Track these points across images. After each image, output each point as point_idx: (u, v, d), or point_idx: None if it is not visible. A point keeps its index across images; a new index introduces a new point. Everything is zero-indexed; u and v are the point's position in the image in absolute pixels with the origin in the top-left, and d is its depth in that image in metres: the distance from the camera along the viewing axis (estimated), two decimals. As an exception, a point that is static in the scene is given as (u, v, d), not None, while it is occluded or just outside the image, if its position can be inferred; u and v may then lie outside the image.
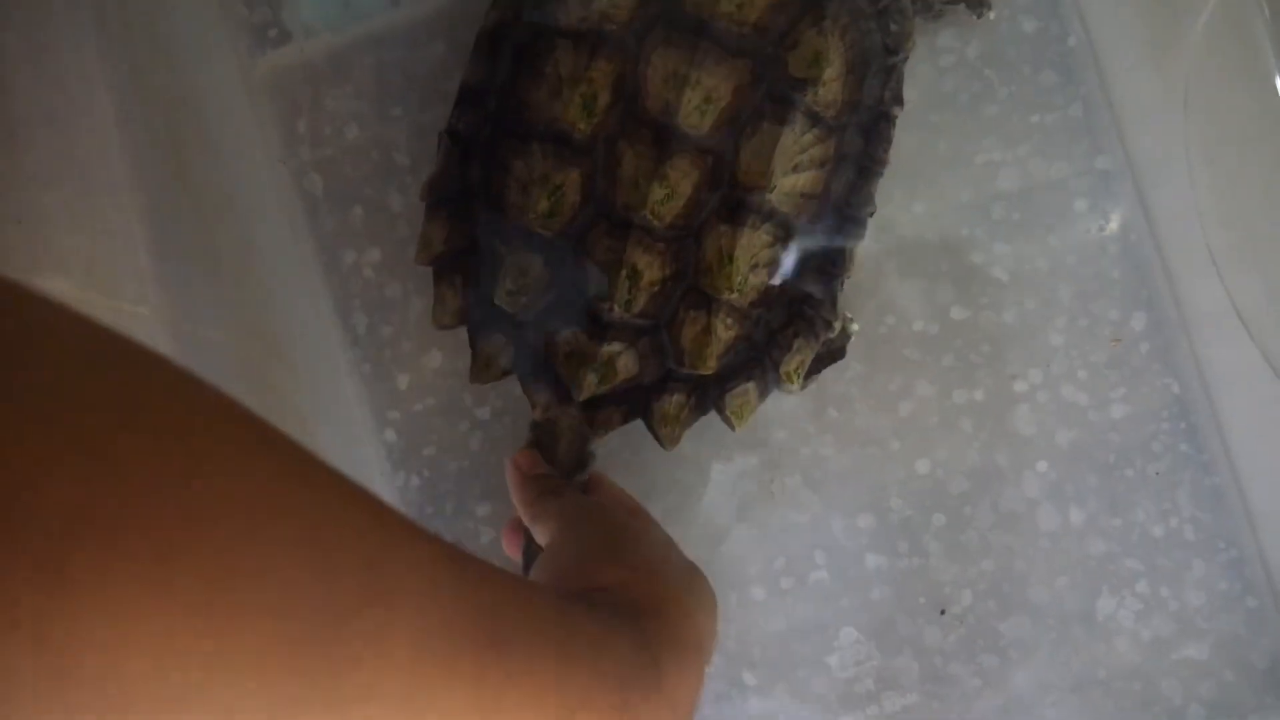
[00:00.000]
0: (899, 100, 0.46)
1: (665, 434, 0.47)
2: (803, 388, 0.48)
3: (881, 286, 0.52)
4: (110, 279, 0.38)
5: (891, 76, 0.46)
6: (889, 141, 0.46)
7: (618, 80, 0.44)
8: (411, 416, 0.52)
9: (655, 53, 0.44)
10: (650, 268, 0.45)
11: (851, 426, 0.52)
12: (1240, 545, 0.51)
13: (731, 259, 0.44)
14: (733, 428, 0.48)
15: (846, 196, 0.46)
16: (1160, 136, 0.48)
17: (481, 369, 0.48)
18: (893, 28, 0.45)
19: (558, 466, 0.48)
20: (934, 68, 0.50)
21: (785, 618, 0.53)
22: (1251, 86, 0.45)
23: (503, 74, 0.46)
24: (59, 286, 0.36)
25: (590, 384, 0.46)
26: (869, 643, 0.52)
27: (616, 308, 0.45)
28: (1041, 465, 0.52)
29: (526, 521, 0.45)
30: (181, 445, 0.20)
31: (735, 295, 0.45)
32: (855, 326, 0.50)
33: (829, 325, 0.47)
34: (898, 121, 0.46)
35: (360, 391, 0.52)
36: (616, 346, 0.46)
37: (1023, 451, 0.52)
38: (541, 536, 0.44)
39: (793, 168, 0.45)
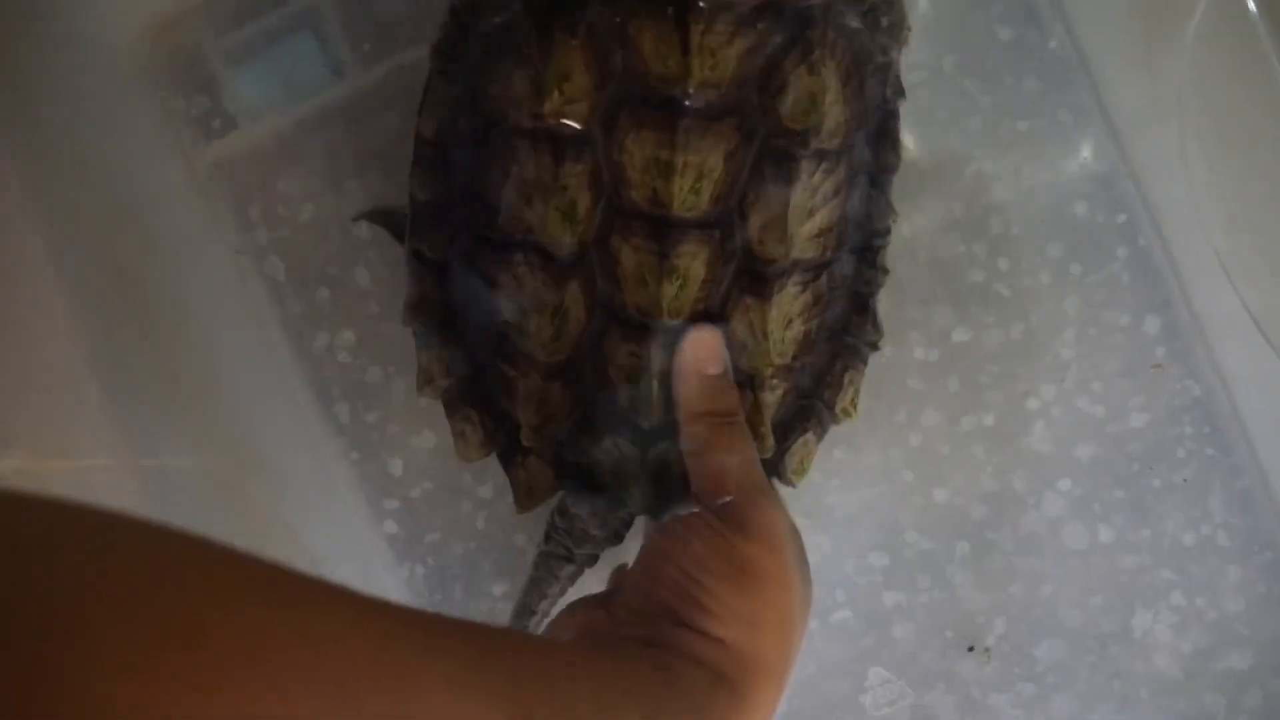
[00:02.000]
0: (901, 92, 0.42)
1: None
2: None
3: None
4: (64, 438, 0.36)
5: (889, 72, 0.41)
6: (897, 140, 0.42)
7: (593, 177, 0.39)
8: (410, 503, 0.51)
9: (629, 139, 0.38)
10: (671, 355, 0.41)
11: (859, 465, 0.50)
12: (1276, 547, 0.49)
13: (766, 334, 0.40)
14: (793, 485, 0.44)
15: (866, 212, 0.42)
16: (1158, 138, 0.45)
17: (525, 498, 0.44)
18: (883, 22, 0.41)
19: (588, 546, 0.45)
20: (907, 83, 0.47)
21: (814, 660, 0.51)
22: (1249, 84, 0.42)
23: (460, 180, 0.41)
24: (9, 465, 0.34)
25: (645, 495, 0.42)
26: (899, 680, 0.51)
27: (655, 415, 0.41)
28: (1064, 483, 0.50)
29: (688, 450, 0.40)
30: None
31: (775, 363, 0.41)
32: (848, 421, 0.46)
33: (875, 345, 0.44)
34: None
35: (352, 483, 0.50)
36: (662, 447, 0.42)
37: (1041, 471, 0.50)
38: (702, 482, 0.38)
39: (808, 213, 0.40)
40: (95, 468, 0.37)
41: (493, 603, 0.52)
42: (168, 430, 0.42)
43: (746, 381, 0.42)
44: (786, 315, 0.41)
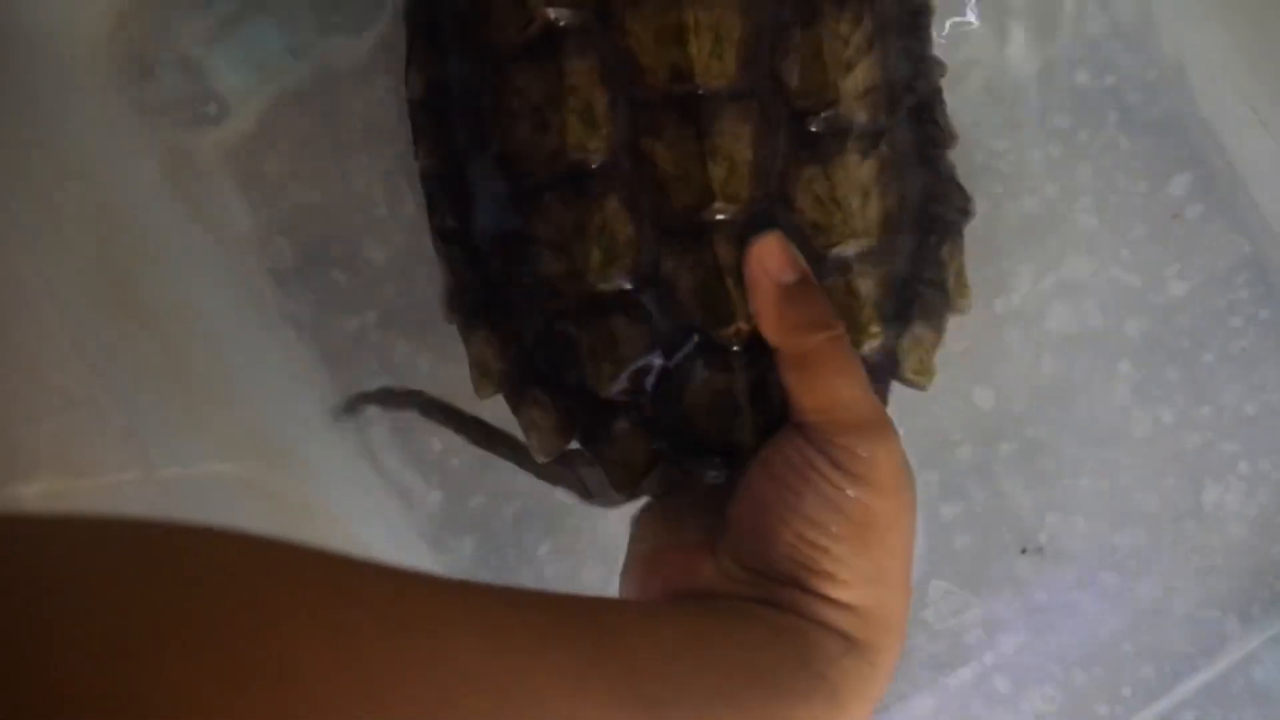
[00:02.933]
0: None
1: None
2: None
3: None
4: (87, 458, 0.35)
5: None
6: None
7: (603, 73, 0.35)
8: (451, 475, 0.49)
9: (629, 17, 0.34)
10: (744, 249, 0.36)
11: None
12: (1341, 402, 0.48)
13: (838, 202, 0.36)
14: (923, 388, 0.39)
15: (911, 66, 0.39)
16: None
17: (624, 476, 0.37)
18: None
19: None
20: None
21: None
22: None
23: (464, 140, 0.38)
24: (37, 490, 0.32)
25: (751, 425, 0.36)
26: (962, 591, 0.50)
27: (742, 324, 0.35)
28: (1124, 365, 0.48)
29: (786, 378, 0.34)
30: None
31: (860, 240, 0.36)
32: (964, 304, 0.40)
33: (966, 211, 0.39)
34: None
35: (392, 466, 0.49)
36: (760, 366, 0.36)
37: (1092, 351, 0.48)
38: (806, 414, 0.33)
39: (845, 67, 0.36)
40: (122, 483, 0.36)
41: (540, 565, 0.51)
42: (189, 438, 0.41)
43: (834, 268, 0.36)
44: (855, 187, 0.37)
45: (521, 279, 0.38)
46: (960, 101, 0.41)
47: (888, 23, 0.38)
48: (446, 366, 0.48)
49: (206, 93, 0.46)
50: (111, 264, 0.41)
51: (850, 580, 0.32)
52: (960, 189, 0.40)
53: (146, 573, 0.18)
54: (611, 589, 0.50)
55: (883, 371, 0.38)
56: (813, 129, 0.36)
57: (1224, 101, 0.45)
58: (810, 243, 0.36)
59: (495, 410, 0.41)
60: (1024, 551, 0.49)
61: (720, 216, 0.35)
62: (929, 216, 0.39)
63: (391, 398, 0.47)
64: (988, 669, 0.50)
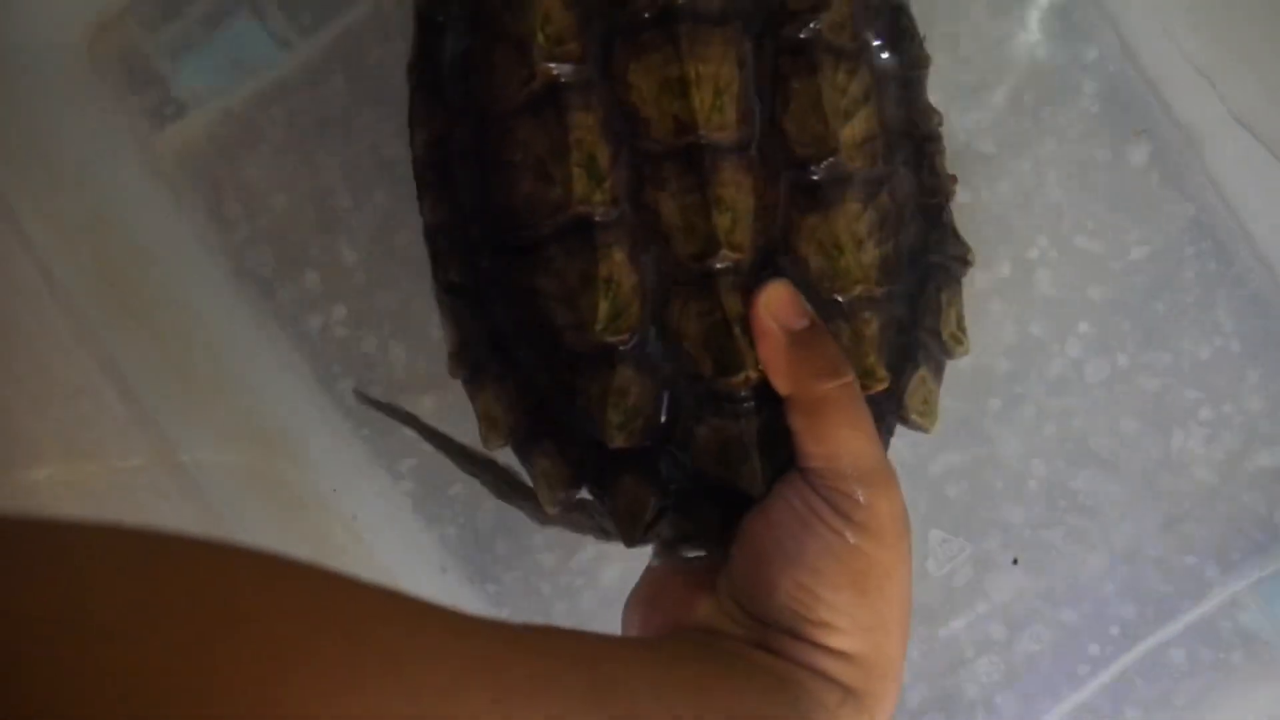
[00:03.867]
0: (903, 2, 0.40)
1: None
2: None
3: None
4: (94, 443, 0.35)
5: None
6: (915, 34, 0.39)
7: (605, 126, 0.35)
8: (426, 461, 0.50)
9: (632, 72, 0.35)
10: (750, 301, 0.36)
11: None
12: (1288, 340, 0.50)
13: (841, 248, 0.36)
14: (926, 430, 0.40)
15: (906, 117, 0.39)
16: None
17: (630, 527, 0.37)
18: None
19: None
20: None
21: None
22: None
23: (469, 196, 0.38)
24: (43, 475, 0.33)
25: (760, 471, 0.36)
26: (957, 538, 0.51)
27: (750, 372, 0.35)
28: (1082, 326, 0.50)
29: (795, 425, 0.34)
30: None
31: (861, 286, 0.37)
32: (962, 351, 0.41)
33: (965, 260, 0.40)
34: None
35: (367, 455, 0.49)
36: (767, 414, 0.36)
37: (1057, 316, 0.50)
38: (812, 461, 0.34)
39: (844, 115, 0.37)
40: (128, 469, 0.36)
41: (536, 555, 0.51)
42: (189, 427, 0.41)
43: (839, 314, 0.37)
44: (855, 234, 0.37)
45: (527, 331, 0.38)
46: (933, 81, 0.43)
47: (884, 74, 0.39)
48: (419, 357, 0.49)
49: (184, 97, 0.47)
50: (108, 266, 0.42)
51: (848, 629, 0.32)
52: (959, 239, 0.41)
53: (153, 598, 0.18)
54: (605, 561, 0.51)
55: (885, 413, 0.39)
56: (814, 177, 0.36)
57: (1174, 68, 0.48)
58: (815, 290, 0.36)
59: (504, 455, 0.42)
60: (1017, 499, 0.51)
61: (725, 265, 0.35)
62: (928, 264, 0.40)
63: (417, 426, 0.47)
64: (980, 615, 0.51)
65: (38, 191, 0.40)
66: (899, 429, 0.40)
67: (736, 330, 0.35)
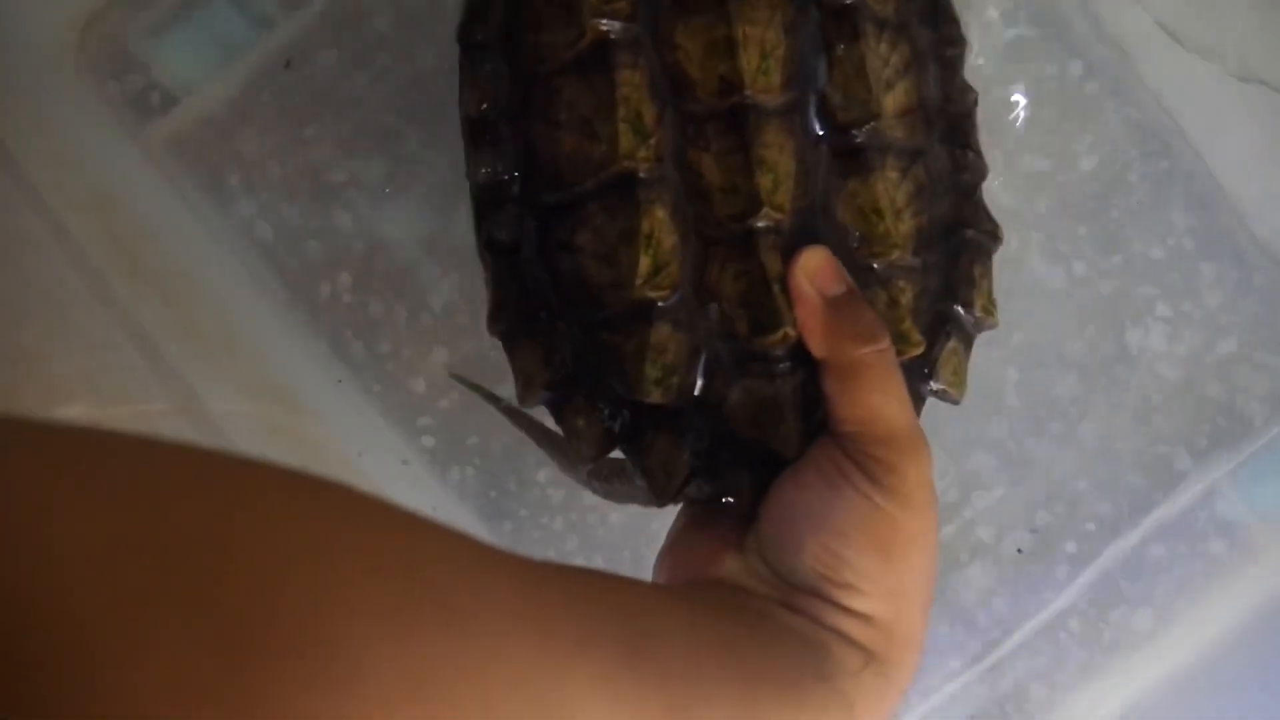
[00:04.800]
0: None
1: None
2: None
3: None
4: (119, 388, 0.38)
5: None
6: (955, 17, 0.41)
7: (653, 87, 0.36)
8: (441, 415, 0.53)
9: (678, 32, 0.36)
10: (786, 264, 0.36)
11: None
12: (1234, 236, 0.53)
13: (880, 213, 0.37)
14: (956, 400, 0.41)
15: (944, 93, 0.40)
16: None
17: (664, 482, 0.38)
18: None
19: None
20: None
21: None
22: None
23: (513, 155, 0.39)
24: (77, 412, 0.36)
25: (794, 433, 0.36)
26: (941, 455, 0.54)
27: (788, 330, 0.36)
28: (1037, 235, 0.53)
29: (829, 390, 0.35)
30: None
31: (899, 252, 0.37)
32: (993, 322, 0.42)
33: (995, 236, 0.41)
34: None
35: (383, 411, 0.52)
36: (802, 374, 0.37)
37: (1015, 228, 0.53)
38: (845, 425, 0.34)
39: (886, 84, 0.38)
40: (156, 412, 0.39)
41: (541, 489, 0.54)
42: (211, 380, 0.44)
43: (876, 280, 0.38)
44: (894, 201, 0.38)
45: (565, 291, 0.38)
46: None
47: (923, 50, 0.40)
48: (421, 315, 0.52)
49: (171, 84, 0.50)
50: (114, 237, 0.44)
51: (871, 592, 0.33)
52: (989, 217, 0.42)
53: (225, 525, 0.18)
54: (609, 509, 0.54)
55: (917, 382, 0.39)
56: (856, 141, 0.37)
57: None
58: (852, 255, 0.37)
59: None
60: (995, 408, 0.54)
61: (766, 225, 0.36)
62: (961, 238, 0.41)
63: (482, 392, 0.50)
64: (968, 521, 0.54)
65: (39, 168, 0.43)
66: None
67: (775, 289, 0.36)
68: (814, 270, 0.35)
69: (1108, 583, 0.54)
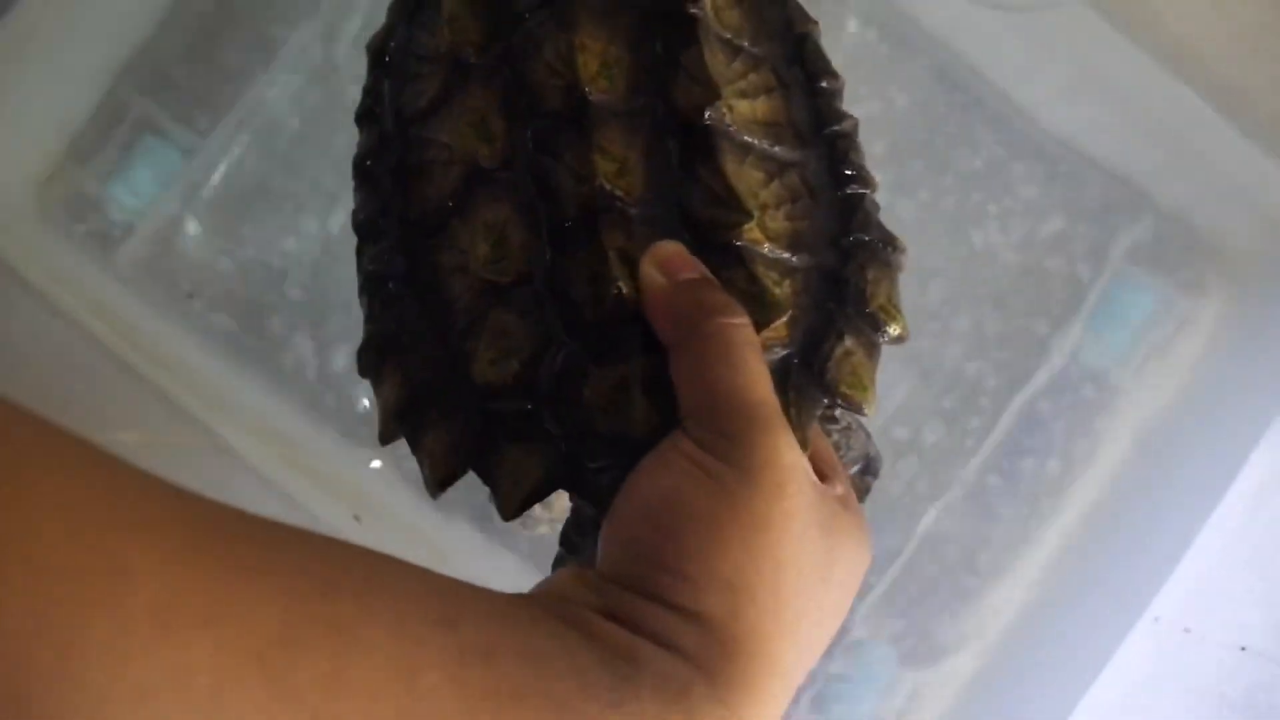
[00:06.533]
0: (807, 16, 0.42)
1: None
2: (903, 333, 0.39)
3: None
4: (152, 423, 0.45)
5: (783, 2, 0.42)
6: (826, 59, 0.42)
7: (504, 103, 0.38)
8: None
9: (530, 55, 0.38)
10: (634, 245, 0.35)
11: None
12: (1032, 136, 0.64)
13: (730, 187, 0.36)
14: (863, 408, 0.37)
15: (816, 119, 0.40)
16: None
17: (511, 497, 0.35)
18: None
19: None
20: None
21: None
22: None
23: (390, 198, 0.40)
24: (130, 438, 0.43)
25: (642, 410, 0.34)
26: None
27: (621, 286, 0.34)
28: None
29: (675, 371, 0.32)
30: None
31: (759, 233, 0.36)
32: (896, 329, 0.39)
33: (894, 245, 0.40)
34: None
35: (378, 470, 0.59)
36: (655, 365, 0.34)
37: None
38: (690, 402, 0.32)
39: (738, 93, 0.38)
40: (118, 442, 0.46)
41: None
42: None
43: (735, 259, 0.36)
44: (754, 192, 0.37)
45: (431, 311, 0.38)
46: None
47: (790, 84, 0.40)
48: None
49: (126, 212, 0.58)
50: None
51: (702, 581, 0.28)
52: (884, 229, 0.41)
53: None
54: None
55: (804, 384, 0.36)
56: (701, 124, 0.37)
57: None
58: (709, 240, 0.36)
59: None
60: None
61: (608, 205, 0.35)
62: (848, 245, 0.39)
63: None
64: (887, 420, 0.63)
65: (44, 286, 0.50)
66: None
67: (611, 255, 0.35)
68: (663, 258, 0.34)
69: (1011, 441, 0.63)
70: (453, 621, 0.25)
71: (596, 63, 0.37)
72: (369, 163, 0.41)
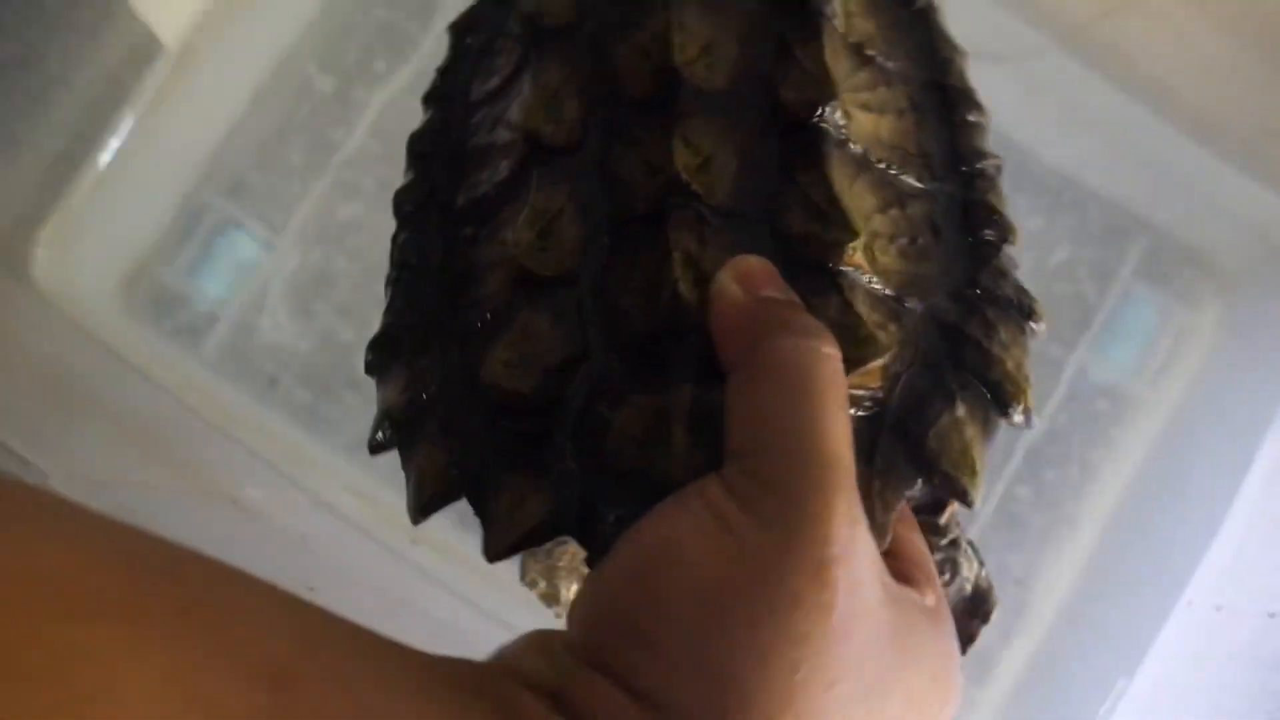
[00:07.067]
0: (955, 46, 0.37)
1: None
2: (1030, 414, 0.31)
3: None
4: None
5: (928, 22, 0.37)
6: (971, 90, 0.36)
7: (584, 85, 0.32)
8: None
9: (617, 46, 0.32)
10: (707, 252, 0.29)
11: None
12: (1033, 171, 0.69)
13: (835, 199, 0.29)
14: (968, 495, 0.28)
15: (951, 149, 0.34)
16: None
17: (501, 533, 0.28)
18: None
19: None
20: None
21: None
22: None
23: (436, 176, 0.36)
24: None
25: (679, 447, 0.27)
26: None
27: (681, 291, 0.28)
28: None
29: (737, 360, 0.26)
30: None
31: (863, 260, 0.30)
32: (1021, 409, 0.31)
33: (1027, 310, 0.32)
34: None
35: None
36: (706, 391, 0.27)
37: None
38: (732, 436, 0.25)
39: (860, 104, 0.32)
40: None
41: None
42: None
43: (828, 283, 0.29)
44: (864, 213, 0.30)
45: (454, 306, 0.32)
46: None
47: (923, 107, 0.35)
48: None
49: (209, 303, 0.63)
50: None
51: (679, 661, 0.21)
52: (1024, 291, 0.33)
53: None
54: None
55: (895, 458, 0.28)
56: (815, 124, 0.31)
57: None
58: (799, 257, 0.29)
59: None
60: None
61: (682, 202, 0.29)
62: (973, 298, 0.32)
63: None
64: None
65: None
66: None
67: (678, 259, 0.28)
68: (746, 271, 0.27)
69: (1036, 453, 0.68)
70: (282, 681, 0.19)
71: (697, 47, 0.32)
72: (425, 143, 0.37)
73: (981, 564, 0.34)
